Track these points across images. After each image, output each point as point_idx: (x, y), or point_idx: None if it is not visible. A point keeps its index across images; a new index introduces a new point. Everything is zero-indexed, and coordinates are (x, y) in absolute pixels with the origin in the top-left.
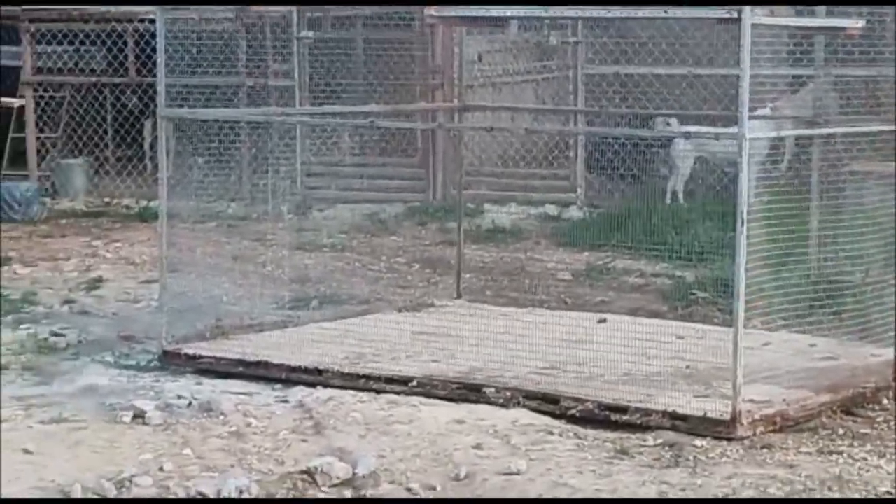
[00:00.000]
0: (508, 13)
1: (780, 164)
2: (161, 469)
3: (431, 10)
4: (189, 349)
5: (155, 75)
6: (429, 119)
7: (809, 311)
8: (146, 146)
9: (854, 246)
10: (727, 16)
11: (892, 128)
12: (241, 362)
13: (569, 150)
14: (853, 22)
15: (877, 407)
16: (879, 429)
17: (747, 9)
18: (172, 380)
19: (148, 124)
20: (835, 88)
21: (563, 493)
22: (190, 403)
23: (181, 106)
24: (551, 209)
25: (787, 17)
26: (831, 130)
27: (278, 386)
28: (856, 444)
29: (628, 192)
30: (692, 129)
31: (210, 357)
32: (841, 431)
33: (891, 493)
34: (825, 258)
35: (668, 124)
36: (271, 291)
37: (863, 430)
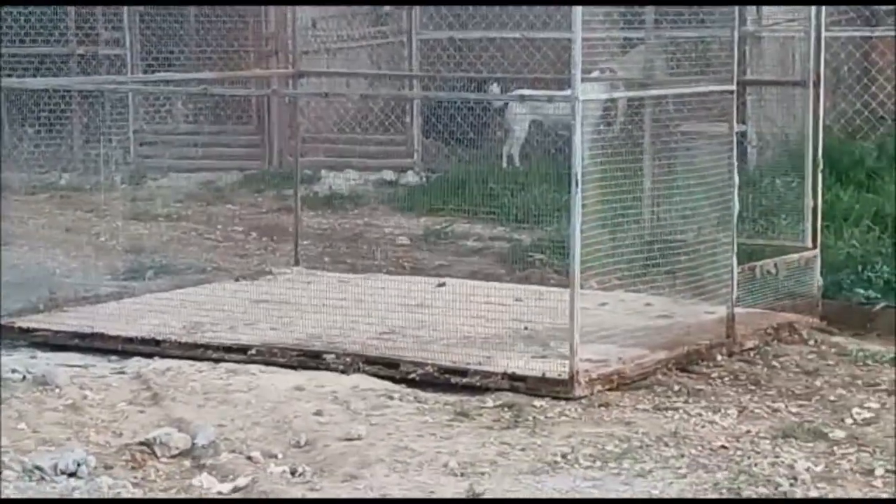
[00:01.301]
0: None
1: (612, 126)
2: None
3: None
4: (23, 322)
5: None
6: (264, 86)
7: (644, 271)
8: None
9: (686, 205)
10: None
11: (723, 88)
12: (76, 335)
13: (405, 116)
14: None
15: (711, 364)
16: (714, 385)
17: None
18: (6, 354)
19: None
20: (665, 50)
21: (404, 457)
22: (24, 377)
23: (10, 76)
24: (388, 175)
25: None
26: (662, 92)
27: (115, 358)
28: (691, 400)
29: (465, 156)
30: (525, 92)
31: (44, 330)
32: (676, 388)
33: (726, 448)
34: (658, 218)
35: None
36: (106, 262)
37: (698, 387)
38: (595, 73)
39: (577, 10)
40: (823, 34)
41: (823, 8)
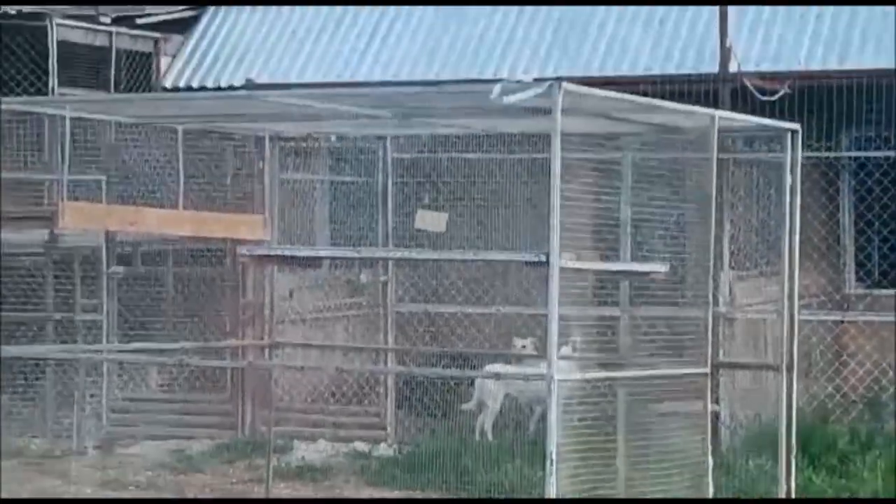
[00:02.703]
0: (322, 253)
1: (586, 404)
2: None
3: (244, 249)
4: None
5: None
6: (238, 355)
7: None
8: None
9: (661, 487)
10: (536, 259)
11: (697, 371)
12: None
13: (379, 387)
14: (657, 266)
15: None
16: None
17: (555, 253)
18: None
19: None
20: (638, 330)
21: None
22: None
23: None
24: (361, 446)
25: (592, 262)
26: (638, 374)
27: None
28: None
29: (438, 429)
30: (501, 370)
31: None
32: None
33: None
34: (632, 499)
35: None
36: None
37: None
38: (565, 350)
39: (554, 290)
40: (797, 318)
41: (796, 293)
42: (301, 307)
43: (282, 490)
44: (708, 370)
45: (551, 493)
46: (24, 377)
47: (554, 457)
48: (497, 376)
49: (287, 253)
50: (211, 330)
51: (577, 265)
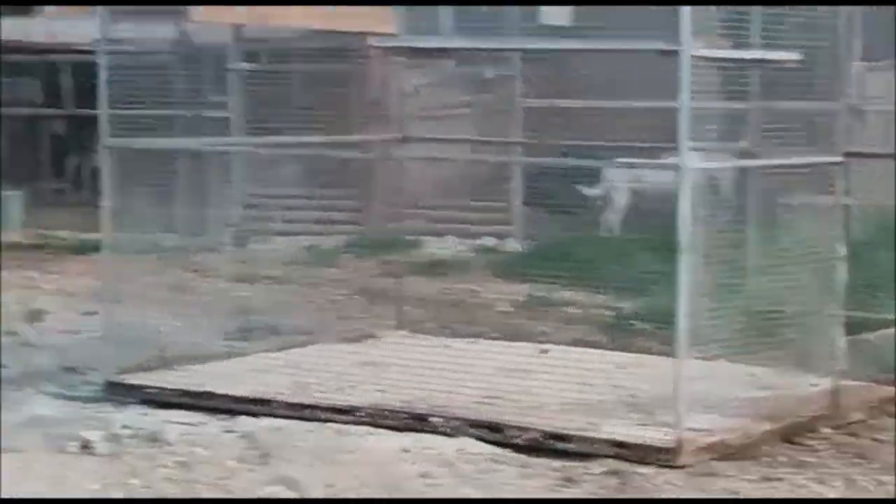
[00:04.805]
0: (452, 44)
1: (717, 195)
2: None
3: (375, 41)
4: (133, 379)
5: (91, 107)
6: (367, 151)
7: (747, 342)
8: (83, 177)
9: (791, 276)
10: (666, 48)
11: (830, 159)
12: (185, 392)
13: (506, 183)
14: (788, 55)
15: (816, 435)
16: (819, 456)
17: (686, 42)
18: (117, 410)
19: (87, 156)
20: (769, 121)
21: None
22: (136, 433)
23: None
24: (489, 241)
25: (724, 50)
26: (769, 162)
27: (223, 416)
28: (797, 471)
29: (565, 224)
30: (630, 160)
31: (154, 387)
32: (782, 459)
33: None
34: (763, 288)
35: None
36: (212, 322)
37: (803, 458)
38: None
39: (685, 80)
40: None
41: None
42: (427, 103)
43: (412, 284)
44: (839, 159)
45: (683, 282)
46: (157, 172)
47: (685, 246)
48: (629, 166)
49: (419, 45)
50: (337, 126)
51: (709, 53)
